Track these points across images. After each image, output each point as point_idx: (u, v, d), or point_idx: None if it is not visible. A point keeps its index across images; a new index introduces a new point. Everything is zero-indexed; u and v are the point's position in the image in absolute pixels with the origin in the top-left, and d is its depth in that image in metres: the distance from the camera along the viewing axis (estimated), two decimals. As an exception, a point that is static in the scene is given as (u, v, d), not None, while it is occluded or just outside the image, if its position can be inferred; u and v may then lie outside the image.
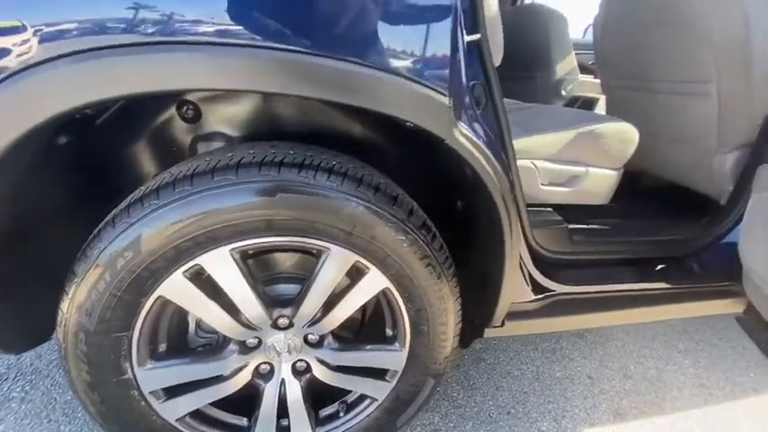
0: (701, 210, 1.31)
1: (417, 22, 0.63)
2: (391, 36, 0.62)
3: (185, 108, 0.84)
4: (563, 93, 1.97)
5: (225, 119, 0.89)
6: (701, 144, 1.26)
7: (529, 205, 1.17)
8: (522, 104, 1.67)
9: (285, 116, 0.89)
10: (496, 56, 0.95)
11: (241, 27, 0.58)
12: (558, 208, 1.16)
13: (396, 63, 0.63)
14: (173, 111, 0.85)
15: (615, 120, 1.15)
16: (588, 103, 1.85)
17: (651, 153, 1.46)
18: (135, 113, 0.85)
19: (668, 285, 1.13)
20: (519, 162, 1.10)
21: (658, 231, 1.20)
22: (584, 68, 2.15)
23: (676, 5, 1.15)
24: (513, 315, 0.98)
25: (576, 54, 2.04)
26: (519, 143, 1.10)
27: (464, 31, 0.67)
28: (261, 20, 0.58)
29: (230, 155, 0.68)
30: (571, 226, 1.12)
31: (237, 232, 0.67)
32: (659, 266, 1.16)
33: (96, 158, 0.84)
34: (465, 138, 0.70)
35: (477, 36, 0.70)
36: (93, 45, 0.54)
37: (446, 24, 0.63)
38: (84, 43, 0.54)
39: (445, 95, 0.65)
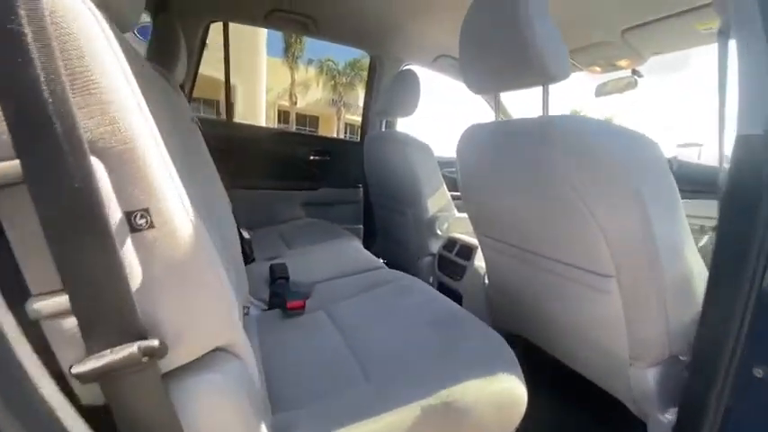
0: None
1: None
2: None
3: None
4: (438, 232, 1.62)
5: None
6: (610, 349, 0.89)
7: None
8: (389, 274, 1.22)
9: None
10: None
11: None
12: None
13: None
14: None
15: (490, 371, 0.70)
16: (467, 250, 1.50)
17: (555, 337, 1.08)
18: None
19: None
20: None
21: None
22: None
23: (560, 187, 0.82)
24: None
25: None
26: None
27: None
28: None
29: None
30: None
31: None
32: None
33: None
34: None
35: None
36: None
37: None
38: None
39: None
